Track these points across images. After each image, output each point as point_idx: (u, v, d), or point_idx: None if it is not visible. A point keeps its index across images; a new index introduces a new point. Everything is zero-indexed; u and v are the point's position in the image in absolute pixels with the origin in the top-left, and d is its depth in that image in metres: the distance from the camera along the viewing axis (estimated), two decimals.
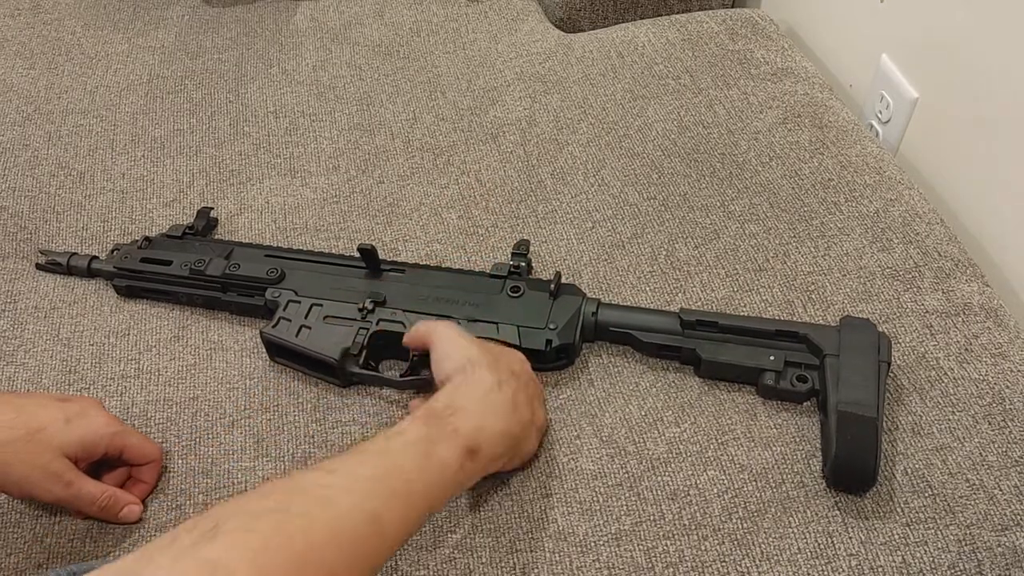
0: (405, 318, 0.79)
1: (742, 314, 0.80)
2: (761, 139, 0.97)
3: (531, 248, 0.87)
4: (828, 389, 0.71)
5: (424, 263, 0.86)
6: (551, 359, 0.78)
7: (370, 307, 0.80)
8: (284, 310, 0.81)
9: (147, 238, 0.89)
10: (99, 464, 0.72)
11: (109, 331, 0.85)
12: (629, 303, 0.83)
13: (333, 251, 0.90)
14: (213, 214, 0.93)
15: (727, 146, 0.97)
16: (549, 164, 0.98)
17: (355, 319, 0.80)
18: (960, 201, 0.94)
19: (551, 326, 0.77)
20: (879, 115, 1.04)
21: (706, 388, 0.76)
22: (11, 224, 0.96)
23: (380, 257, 0.83)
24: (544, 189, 0.95)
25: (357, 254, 0.82)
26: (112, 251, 0.90)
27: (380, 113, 1.07)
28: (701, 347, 0.75)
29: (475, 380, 0.67)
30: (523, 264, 0.83)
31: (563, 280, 0.81)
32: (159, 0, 1.26)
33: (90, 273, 0.89)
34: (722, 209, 0.91)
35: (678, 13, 1.19)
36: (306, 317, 0.80)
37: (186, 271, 0.85)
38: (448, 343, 0.71)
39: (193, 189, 0.99)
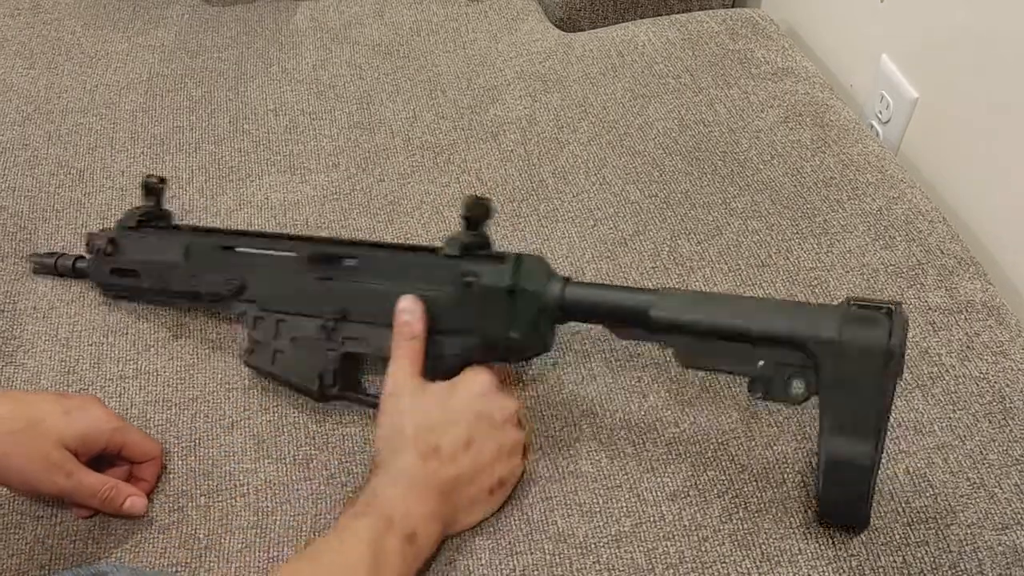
0: (370, 335, 0.74)
1: (730, 298, 0.71)
2: (762, 137, 0.97)
3: (490, 212, 0.72)
4: (823, 407, 0.60)
5: (372, 240, 0.79)
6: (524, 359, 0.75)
7: (331, 325, 0.75)
8: (254, 328, 0.78)
9: (111, 238, 0.84)
10: (99, 461, 0.72)
11: (107, 331, 0.85)
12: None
13: None
14: (153, 179, 0.85)
15: (728, 144, 0.97)
16: (550, 163, 0.98)
17: (320, 339, 0.75)
18: (961, 201, 0.94)
19: (513, 335, 0.69)
20: (879, 115, 1.03)
21: (706, 385, 0.76)
22: (11, 224, 0.96)
23: (328, 238, 0.78)
24: (545, 188, 0.95)
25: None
26: (87, 244, 0.87)
27: (380, 112, 1.07)
28: (677, 349, 0.65)
29: (400, 466, 0.65)
30: (476, 238, 0.72)
31: (524, 254, 0.70)
32: (159, 0, 1.26)
33: (76, 274, 0.88)
34: (724, 206, 0.90)
35: (678, 13, 1.18)
36: (275, 338, 0.77)
37: (152, 284, 0.82)
38: (386, 419, 0.68)
39: (192, 185, 0.99)
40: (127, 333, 0.85)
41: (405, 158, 1.00)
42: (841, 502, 0.62)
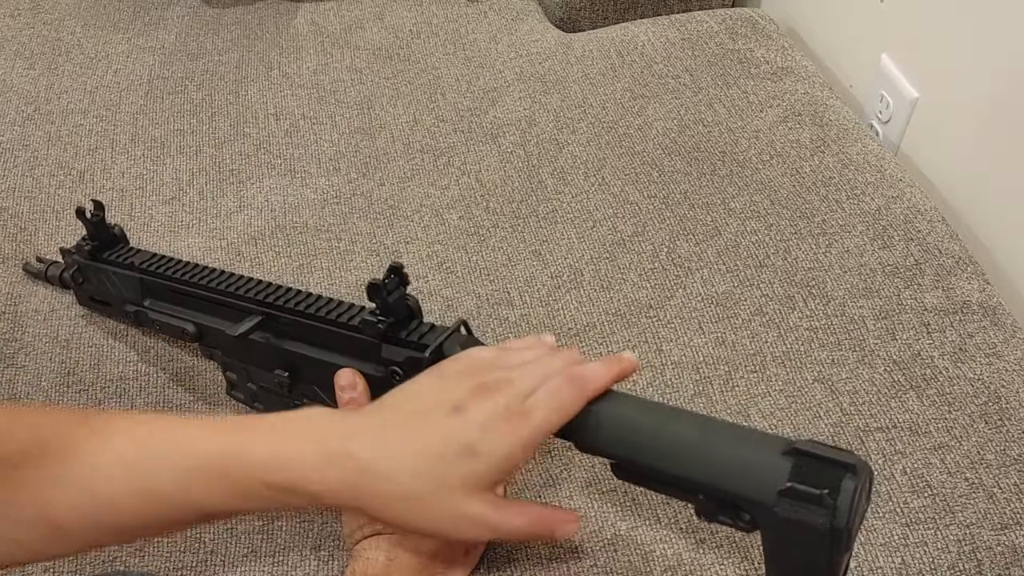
0: (325, 397, 0.69)
1: (668, 428, 0.54)
2: (761, 137, 0.97)
3: (405, 279, 0.65)
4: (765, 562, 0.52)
5: (304, 306, 0.69)
6: None
7: (286, 385, 0.70)
8: (228, 371, 0.76)
9: (77, 267, 0.81)
10: None
11: (108, 333, 0.85)
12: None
13: (334, 252, 0.90)
14: (90, 210, 0.79)
15: (727, 144, 0.97)
16: (549, 164, 0.98)
17: (281, 394, 0.71)
18: (961, 200, 0.94)
19: None
20: (879, 115, 1.03)
21: (699, 390, 0.76)
22: (11, 225, 0.96)
23: (273, 300, 0.70)
24: (544, 189, 0.95)
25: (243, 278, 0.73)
26: (64, 258, 0.85)
27: (381, 116, 1.07)
28: (614, 466, 0.56)
29: (371, 557, 0.61)
30: (384, 323, 0.63)
31: (442, 342, 0.62)
32: (159, 1, 1.26)
33: (62, 284, 0.87)
34: (723, 206, 0.90)
35: (678, 13, 1.18)
36: (248, 382, 0.74)
37: (125, 318, 0.81)
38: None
39: (192, 187, 0.99)
40: (127, 335, 0.85)
41: (405, 162, 1.00)
42: None
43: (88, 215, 0.79)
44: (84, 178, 1.01)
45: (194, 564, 0.70)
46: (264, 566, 0.69)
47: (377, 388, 0.64)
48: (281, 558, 0.70)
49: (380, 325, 0.63)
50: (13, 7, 1.25)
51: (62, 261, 0.87)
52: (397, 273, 0.63)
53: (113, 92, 1.12)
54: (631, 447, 0.54)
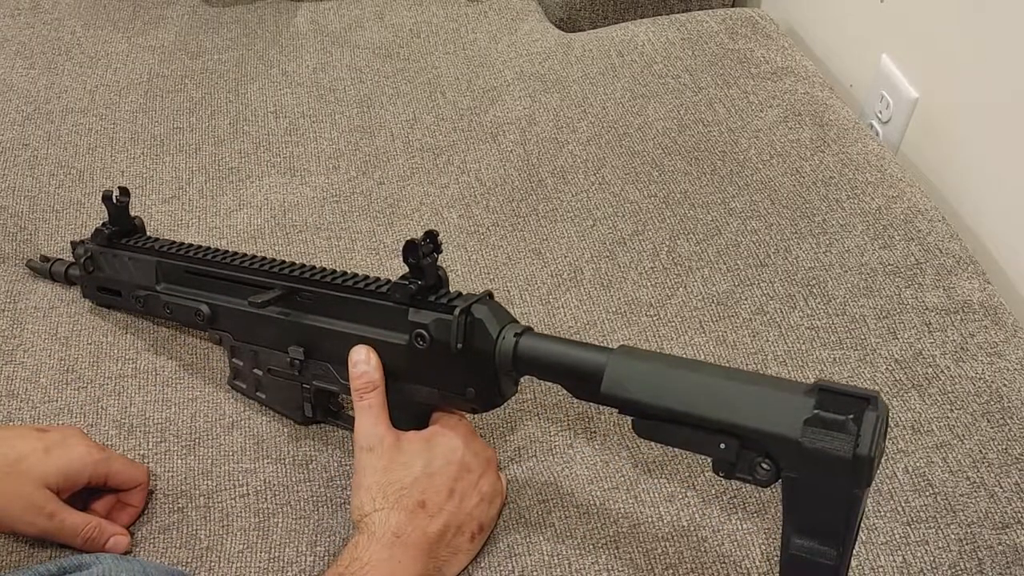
0: (335, 374, 0.71)
1: (693, 373, 0.56)
2: (762, 137, 0.97)
3: (439, 246, 0.65)
4: (783, 512, 0.53)
5: (324, 275, 0.70)
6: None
7: (299, 364, 0.72)
8: (234, 357, 0.77)
9: (89, 255, 0.83)
10: (86, 492, 0.70)
11: (107, 330, 0.85)
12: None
13: (333, 250, 0.90)
14: (117, 197, 0.81)
15: (727, 144, 0.97)
16: (549, 163, 0.98)
17: (293, 373, 0.73)
18: (961, 200, 0.94)
19: (469, 393, 0.64)
20: (879, 115, 1.03)
21: None
22: (11, 224, 0.96)
23: (283, 272, 0.72)
24: (544, 188, 0.95)
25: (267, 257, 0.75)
26: (73, 250, 0.86)
27: (380, 115, 1.07)
28: (635, 423, 0.57)
29: (386, 527, 0.63)
30: (416, 284, 0.65)
31: (474, 309, 0.63)
32: (159, 0, 1.26)
33: (67, 280, 0.87)
34: (723, 206, 0.90)
35: (678, 13, 1.18)
36: (254, 368, 0.76)
37: (134, 303, 0.82)
38: (364, 475, 0.66)
39: (192, 186, 0.99)
40: (127, 333, 0.85)
41: (405, 160, 1.00)
42: None
43: (114, 200, 0.80)
44: (84, 177, 1.01)
45: (190, 560, 0.70)
46: (260, 562, 0.69)
47: (398, 357, 0.66)
48: (277, 554, 0.70)
49: (412, 286, 0.64)
50: (13, 7, 1.25)
51: (67, 257, 0.88)
52: (432, 239, 0.64)
53: (113, 91, 1.12)
54: (656, 391, 0.55)
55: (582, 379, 0.59)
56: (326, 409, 0.75)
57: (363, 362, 0.67)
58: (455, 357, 0.63)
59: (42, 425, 0.74)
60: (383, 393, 0.67)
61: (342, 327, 0.69)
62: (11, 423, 0.78)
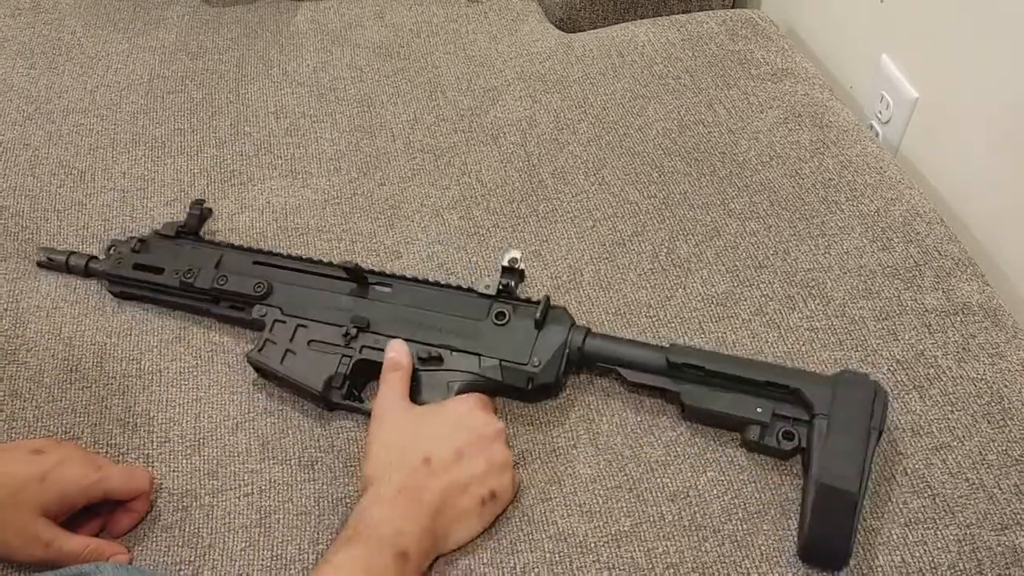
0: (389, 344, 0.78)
1: (735, 356, 0.75)
2: (761, 138, 0.97)
3: (523, 258, 0.83)
4: (813, 453, 0.67)
5: (412, 275, 0.83)
6: (533, 396, 0.76)
7: (354, 332, 0.78)
8: (270, 331, 0.79)
9: (141, 239, 0.88)
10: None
11: (111, 331, 0.86)
12: (621, 329, 0.81)
13: (335, 252, 0.90)
14: (206, 205, 0.91)
15: (727, 145, 0.97)
16: (550, 164, 0.98)
17: (339, 344, 0.78)
18: (960, 201, 0.94)
19: (534, 361, 0.75)
20: (879, 115, 1.04)
21: None
22: (12, 224, 0.96)
23: (370, 269, 0.82)
24: (545, 188, 0.96)
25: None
26: (108, 248, 0.89)
27: (381, 115, 1.07)
28: (685, 391, 0.72)
29: (390, 481, 0.66)
30: (512, 283, 0.79)
31: (552, 303, 0.78)
32: (159, 0, 1.26)
33: (87, 273, 0.89)
34: (722, 207, 0.91)
35: (678, 13, 1.19)
36: (291, 340, 0.79)
37: (176, 281, 0.84)
38: (374, 441, 0.70)
39: (194, 188, 0.99)
40: (131, 333, 0.85)
41: (406, 161, 1.01)
42: (824, 533, 0.64)
43: (201, 210, 0.89)
44: (85, 177, 1.01)
45: (192, 559, 0.70)
46: (262, 560, 0.70)
47: (470, 331, 0.77)
48: (279, 552, 0.70)
49: (502, 283, 0.79)
50: (13, 7, 1.25)
51: (84, 253, 0.90)
52: (521, 275, 0.81)
53: (114, 91, 1.12)
54: (707, 357, 0.73)
55: (642, 371, 0.74)
56: (354, 387, 0.77)
57: (396, 349, 0.76)
58: (529, 333, 0.76)
59: (37, 441, 0.73)
60: (407, 377, 0.74)
61: (415, 311, 0.79)
62: (12, 421, 0.79)
